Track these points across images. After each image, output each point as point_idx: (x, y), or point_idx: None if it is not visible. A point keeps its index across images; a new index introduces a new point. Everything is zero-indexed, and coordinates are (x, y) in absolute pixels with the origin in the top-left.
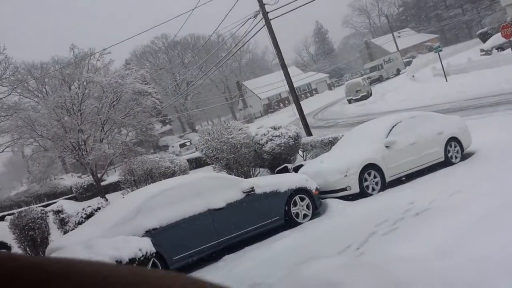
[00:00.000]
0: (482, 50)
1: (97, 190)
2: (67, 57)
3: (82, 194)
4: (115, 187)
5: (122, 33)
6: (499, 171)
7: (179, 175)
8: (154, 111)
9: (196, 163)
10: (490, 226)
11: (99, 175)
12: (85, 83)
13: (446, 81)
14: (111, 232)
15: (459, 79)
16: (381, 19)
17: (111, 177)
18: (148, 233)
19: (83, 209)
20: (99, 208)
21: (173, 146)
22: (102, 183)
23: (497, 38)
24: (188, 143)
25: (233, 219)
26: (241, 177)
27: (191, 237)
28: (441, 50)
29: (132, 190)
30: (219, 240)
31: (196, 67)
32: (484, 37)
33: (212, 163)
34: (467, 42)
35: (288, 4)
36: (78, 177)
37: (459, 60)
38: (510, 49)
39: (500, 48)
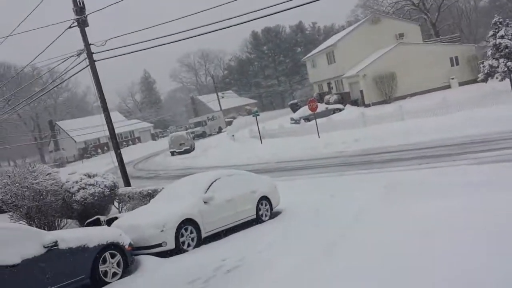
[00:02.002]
0: (292, 119)
1: None
2: None
3: None
4: None
5: None
6: (302, 229)
7: None
8: None
9: None
10: (295, 284)
11: None
12: None
13: (261, 143)
14: None
15: (271, 142)
16: (207, 78)
17: None
18: None
19: None
20: None
21: None
22: None
23: (305, 110)
24: None
25: (30, 277)
26: (44, 229)
27: None
28: (258, 115)
29: None
30: None
31: (2, 99)
32: (294, 108)
33: (9, 211)
34: (280, 110)
35: (116, 48)
36: None
37: (273, 126)
38: (314, 120)
39: (307, 119)
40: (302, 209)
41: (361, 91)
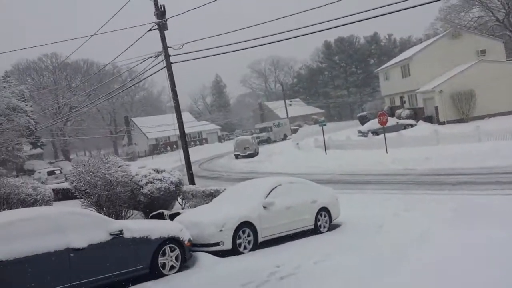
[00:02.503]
0: (359, 132)
1: None
2: None
3: None
4: None
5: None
6: (361, 244)
7: (40, 205)
8: (26, 131)
9: (63, 195)
10: None
11: None
12: None
13: (326, 153)
14: None
15: (336, 154)
16: (277, 85)
17: None
18: None
19: None
20: None
21: (39, 172)
22: None
23: (374, 123)
24: (57, 171)
25: (94, 262)
26: (111, 217)
27: (42, 275)
28: (325, 125)
29: None
30: (72, 283)
31: (84, 93)
32: (363, 120)
33: (81, 198)
34: (348, 121)
35: (191, 52)
36: None
37: (339, 137)
38: (383, 134)
39: (375, 132)
40: (362, 224)
41: (436, 108)
